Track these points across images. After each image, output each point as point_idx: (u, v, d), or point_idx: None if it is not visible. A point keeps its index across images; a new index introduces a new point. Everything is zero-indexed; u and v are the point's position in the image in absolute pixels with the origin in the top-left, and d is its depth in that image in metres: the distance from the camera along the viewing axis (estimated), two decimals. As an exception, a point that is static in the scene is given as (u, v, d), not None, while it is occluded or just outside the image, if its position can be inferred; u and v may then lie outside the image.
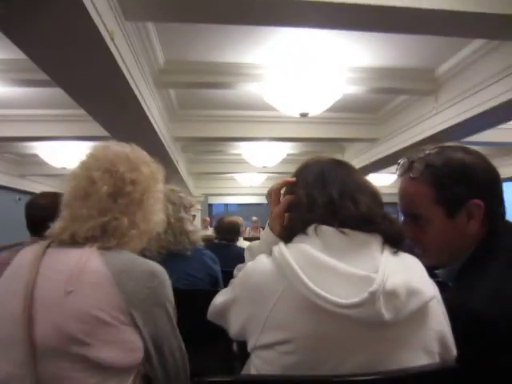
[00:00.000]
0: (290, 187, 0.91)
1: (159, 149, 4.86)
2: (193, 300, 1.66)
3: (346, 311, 0.65)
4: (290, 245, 0.77)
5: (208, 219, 9.07)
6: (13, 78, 3.49)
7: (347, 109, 4.91)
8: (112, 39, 2.27)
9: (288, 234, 0.81)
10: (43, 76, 2.83)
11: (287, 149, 6.61)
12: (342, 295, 0.66)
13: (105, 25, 2.13)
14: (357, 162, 6.51)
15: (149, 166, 1.03)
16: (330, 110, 4.12)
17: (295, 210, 0.85)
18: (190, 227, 1.82)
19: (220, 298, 0.86)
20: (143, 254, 1.65)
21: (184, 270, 1.75)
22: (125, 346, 0.81)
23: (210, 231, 6.89)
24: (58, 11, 1.90)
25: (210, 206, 10.76)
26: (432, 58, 3.66)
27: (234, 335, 0.82)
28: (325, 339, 0.67)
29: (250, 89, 4.00)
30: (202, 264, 1.82)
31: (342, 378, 0.65)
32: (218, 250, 2.71)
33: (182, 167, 6.62)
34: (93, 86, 2.93)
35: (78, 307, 0.79)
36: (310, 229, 0.77)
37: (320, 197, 0.81)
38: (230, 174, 9.08)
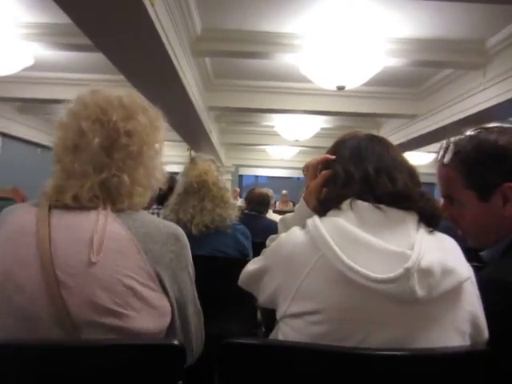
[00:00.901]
0: (327, 162, 0.91)
1: (193, 117, 4.91)
2: (220, 266, 1.72)
3: (379, 286, 0.66)
4: (324, 218, 0.78)
5: (238, 190, 9.14)
6: (56, 41, 3.57)
7: (386, 82, 4.72)
8: (152, 5, 2.27)
9: (323, 208, 0.81)
10: (85, 40, 2.89)
11: (321, 123, 6.49)
12: (375, 270, 0.67)
13: (146, -10, 2.13)
14: (393, 140, 6.25)
15: (147, 113, 0.89)
16: (368, 83, 3.98)
17: (331, 184, 0.85)
18: (233, 201, 1.84)
19: (252, 266, 0.88)
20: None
21: (216, 245, 1.77)
22: (157, 312, 0.79)
23: (240, 202, 6.97)
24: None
25: (241, 176, 10.83)
26: (482, 28, 3.40)
27: (263, 302, 0.84)
28: (354, 312, 0.68)
29: (286, 59, 3.92)
30: (235, 240, 1.82)
31: (369, 351, 0.66)
32: (247, 220, 2.76)
33: (214, 137, 6.67)
34: (132, 51, 2.97)
35: (107, 277, 0.74)
36: (345, 203, 0.77)
37: (356, 172, 0.81)
38: (262, 146, 9.05)
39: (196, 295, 0.93)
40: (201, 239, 1.74)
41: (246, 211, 3.18)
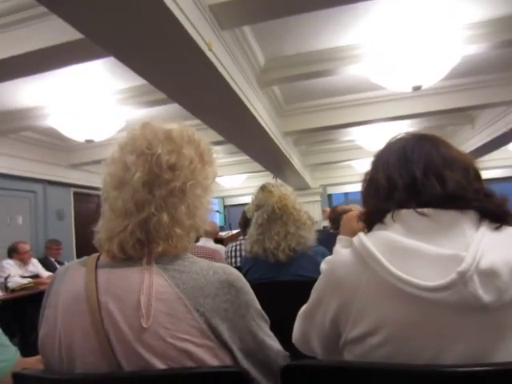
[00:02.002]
0: (370, 172, 0.87)
1: (270, 146, 5.02)
2: (300, 291, 1.68)
3: (433, 295, 0.59)
4: (369, 233, 0.75)
5: (327, 209, 8.97)
6: (140, 101, 4.04)
7: (469, 72, 4.30)
8: (211, 50, 2.43)
9: (367, 224, 0.79)
10: (161, 95, 3.20)
11: (404, 127, 6.12)
12: (427, 277, 0.61)
13: (203, 39, 2.30)
14: (492, 131, 5.68)
15: (195, 146, 0.85)
16: (448, 77, 3.69)
17: (373, 197, 0.82)
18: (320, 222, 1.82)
19: (302, 311, 0.86)
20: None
21: (296, 270, 1.75)
22: (217, 363, 0.74)
23: (330, 221, 6.81)
24: (160, 33, 2.12)
25: (330, 196, 10.62)
26: None
27: (324, 340, 0.79)
28: (416, 327, 0.62)
29: (352, 71, 3.83)
30: (315, 263, 1.76)
31: (445, 368, 0.58)
32: (332, 239, 2.68)
33: (295, 161, 6.70)
34: (202, 96, 3.19)
35: (160, 342, 0.70)
36: (388, 216, 0.74)
37: (401, 179, 0.76)
38: (346, 162, 8.82)
39: (267, 332, 0.84)
40: (286, 264, 1.74)
41: (331, 231, 3.10)
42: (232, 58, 2.99)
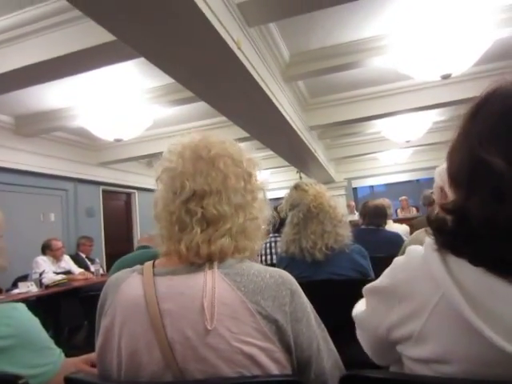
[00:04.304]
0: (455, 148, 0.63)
1: (295, 140, 5.00)
2: (337, 290, 1.67)
3: None
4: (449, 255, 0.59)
5: (353, 203, 8.87)
6: (168, 100, 4.08)
7: (502, 56, 4.13)
8: (239, 48, 2.44)
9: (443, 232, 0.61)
10: (189, 93, 3.23)
11: (433, 117, 5.97)
12: None
13: (232, 37, 2.31)
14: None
15: (248, 162, 0.89)
16: (479, 62, 3.56)
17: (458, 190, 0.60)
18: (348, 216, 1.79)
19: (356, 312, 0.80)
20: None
21: (333, 269, 1.73)
22: (279, 369, 0.74)
23: (356, 216, 6.74)
24: (189, 32, 2.14)
25: (355, 189, 10.49)
26: None
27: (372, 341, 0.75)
28: (493, 369, 0.54)
29: (377, 62, 3.76)
30: (351, 261, 1.76)
31: None
32: (365, 236, 2.66)
33: (320, 154, 6.65)
34: (228, 93, 3.21)
35: (226, 346, 0.71)
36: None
37: (502, 163, 0.51)
38: (372, 154, 8.69)
39: (325, 336, 0.85)
40: (323, 263, 1.73)
41: (362, 226, 3.06)
42: (258, 54, 2.98)
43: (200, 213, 0.80)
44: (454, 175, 0.61)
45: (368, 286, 0.75)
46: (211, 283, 0.75)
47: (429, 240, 0.61)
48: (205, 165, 0.82)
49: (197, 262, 0.79)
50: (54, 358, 0.98)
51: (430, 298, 0.59)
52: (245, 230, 0.84)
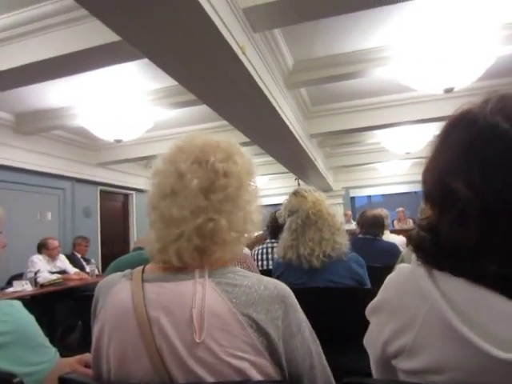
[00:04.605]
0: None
1: (296, 148, 5.00)
2: (335, 298, 1.66)
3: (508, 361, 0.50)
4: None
5: (350, 213, 8.88)
6: (169, 102, 4.08)
7: (505, 73, 4.17)
8: (244, 53, 2.44)
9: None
10: (190, 96, 3.23)
11: (434, 129, 5.99)
12: (504, 338, 0.51)
13: (236, 42, 2.31)
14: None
15: (242, 157, 0.86)
16: (482, 78, 3.58)
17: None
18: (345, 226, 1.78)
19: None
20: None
21: (330, 276, 1.73)
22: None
23: (353, 225, 6.73)
24: (195, 35, 2.14)
25: (352, 198, 10.50)
26: None
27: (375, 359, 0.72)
28: (485, 375, 0.54)
29: (380, 73, 3.78)
30: (348, 269, 1.76)
31: None
32: (362, 245, 2.64)
33: (319, 163, 6.66)
34: (230, 97, 3.21)
35: (214, 360, 0.68)
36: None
37: (465, 190, 0.55)
38: (371, 165, 8.71)
39: (319, 352, 0.81)
40: (319, 270, 1.72)
41: (359, 236, 3.05)
42: (262, 60, 2.99)
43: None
44: (427, 194, 0.64)
45: (367, 307, 0.75)
46: (201, 293, 0.72)
47: (414, 256, 0.64)
48: (198, 166, 0.81)
49: (193, 263, 0.76)
50: (49, 356, 0.98)
51: (419, 311, 0.60)
52: (237, 224, 0.80)
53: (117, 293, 0.79)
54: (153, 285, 0.76)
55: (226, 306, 0.71)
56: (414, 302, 0.61)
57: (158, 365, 0.70)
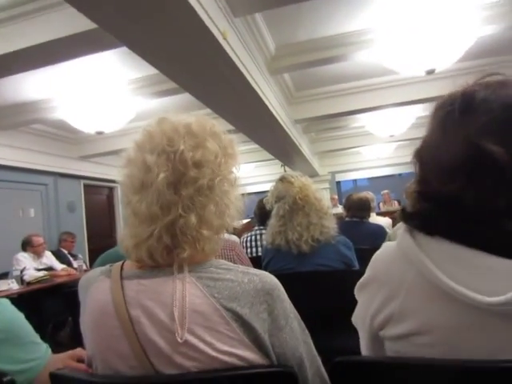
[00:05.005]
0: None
1: (280, 134, 4.98)
2: (325, 281, 1.68)
3: (494, 308, 0.54)
4: (416, 233, 0.66)
5: (336, 197, 8.95)
6: (151, 91, 4.00)
7: (485, 54, 4.21)
8: (225, 39, 2.40)
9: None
10: (172, 84, 3.17)
11: (417, 112, 6.04)
12: (485, 288, 0.55)
13: (217, 27, 2.26)
14: None
15: (218, 139, 0.78)
16: (462, 59, 3.61)
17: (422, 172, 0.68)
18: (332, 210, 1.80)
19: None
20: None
21: (319, 260, 1.74)
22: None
23: (340, 209, 6.79)
24: (175, 21, 2.08)
25: (338, 183, 10.57)
26: None
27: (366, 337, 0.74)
28: (469, 332, 0.58)
29: (363, 56, 3.77)
30: (337, 253, 1.77)
31: (506, 363, 0.55)
32: (349, 228, 2.67)
33: (305, 148, 6.66)
34: (213, 85, 3.16)
35: (200, 357, 0.67)
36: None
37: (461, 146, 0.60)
38: (356, 149, 8.76)
39: (308, 342, 0.80)
40: (308, 255, 1.73)
41: (346, 219, 3.08)
42: (244, 45, 2.95)
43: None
44: (446, 165, 0.62)
45: (356, 285, 0.77)
46: (181, 291, 0.69)
47: (401, 230, 0.67)
48: (166, 158, 0.74)
49: (164, 263, 0.72)
50: (40, 353, 0.97)
51: (405, 277, 0.64)
52: (210, 220, 0.74)
53: (95, 291, 0.76)
54: (132, 282, 0.73)
55: (207, 301, 0.68)
56: (400, 270, 0.65)
57: (145, 364, 0.68)
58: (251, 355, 0.69)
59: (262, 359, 0.71)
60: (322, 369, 0.81)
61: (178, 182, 0.71)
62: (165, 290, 0.70)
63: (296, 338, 0.76)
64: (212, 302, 0.68)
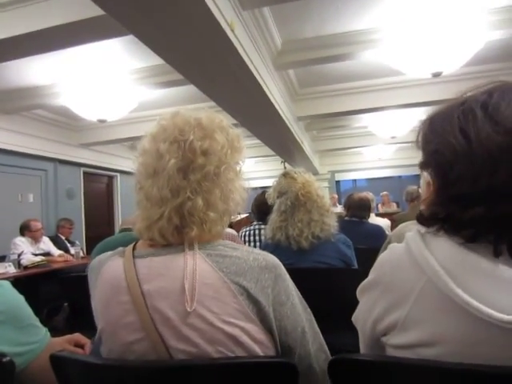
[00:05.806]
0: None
1: (283, 130, 4.97)
2: (323, 278, 1.67)
3: (508, 326, 0.53)
4: (428, 235, 0.64)
5: (336, 196, 8.95)
6: (155, 81, 3.98)
7: (492, 59, 4.20)
8: (232, 30, 2.38)
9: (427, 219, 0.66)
10: (177, 76, 3.15)
11: (420, 115, 6.03)
12: (500, 303, 0.53)
13: (225, 18, 2.25)
14: None
15: (225, 133, 0.85)
16: (469, 63, 3.60)
17: (439, 179, 0.66)
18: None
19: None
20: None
21: (318, 257, 1.74)
22: (262, 350, 0.75)
23: (339, 208, 6.80)
24: (185, 13, 2.07)
25: (338, 182, 10.57)
26: None
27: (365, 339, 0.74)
28: (481, 347, 0.56)
29: (369, 56, 3.75)
30: (337, 251, 1.77)
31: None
32: (349, 227, 2.66)
33: (306, 146, 6.65)
34: (218, 77, 3.14)
35: (208, 327, 0.71)
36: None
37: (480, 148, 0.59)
38: (356, 149, 8.76)
39: (311, 319, 0.84)
40: (308, 251, 1.73)
41: (346, 218, 3.08)
42: (251, 38, 2.93)
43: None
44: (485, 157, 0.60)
45: (359, 287, 0.77)
46: (192, 265, 0.74)
47: (412, 231, 0.65)
48: (177, 146, 0.80)
49: (175, 241, 0.78)
50: (40, 336, 0.96)
51: (414, 285, 0.61)
52: (215, 204, 0.80)
53: (108, 269, 0.81)
54: (144, 260, 0.78)
55: (216, 275, 0.74)
56: (409, 277, 0.63)
57: (154, 335, 0.72)
58: (253, 328, 0.73)
59: (264, 332, 0.75)
60: (325, 346, 0.86)
61: (187, 168, 0.78)
62: (176, 265, 0.75)
63: (298, 314, 0.80)
64: (221, 276, 0.73)
